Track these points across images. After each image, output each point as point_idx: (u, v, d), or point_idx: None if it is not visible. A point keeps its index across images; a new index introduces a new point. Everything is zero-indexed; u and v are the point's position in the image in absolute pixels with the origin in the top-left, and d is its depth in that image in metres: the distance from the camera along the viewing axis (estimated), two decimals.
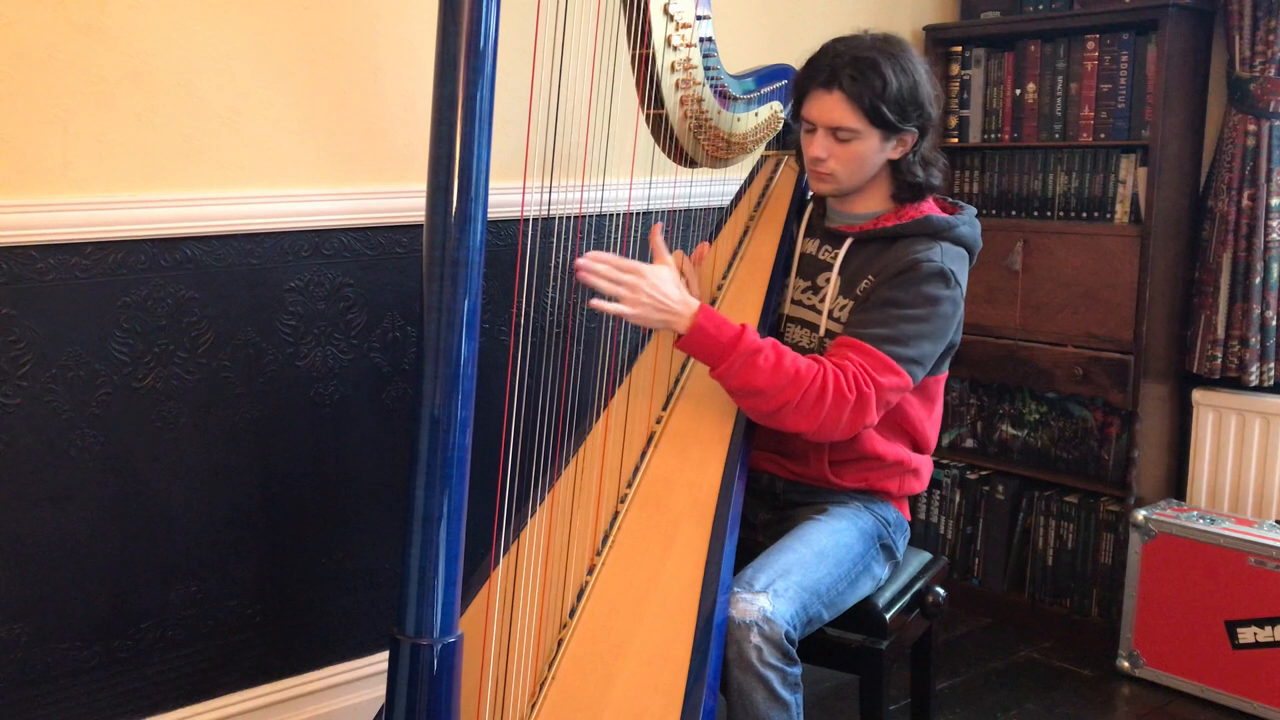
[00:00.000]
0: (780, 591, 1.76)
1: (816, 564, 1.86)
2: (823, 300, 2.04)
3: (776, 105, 2.28)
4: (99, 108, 2.04)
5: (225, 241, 2.21)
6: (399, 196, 2.40)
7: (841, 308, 2.01)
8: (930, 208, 2.04)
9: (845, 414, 1.83)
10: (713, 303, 2.15)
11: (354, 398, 2.42)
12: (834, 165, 1.97)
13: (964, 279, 1.98)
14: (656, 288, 1.81)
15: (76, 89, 2.01)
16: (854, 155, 1.96)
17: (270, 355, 2.29)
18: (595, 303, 1.78)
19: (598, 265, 1.78)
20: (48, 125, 1.99)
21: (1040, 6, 3.27)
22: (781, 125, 2.34)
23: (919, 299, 1.90)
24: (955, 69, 3.37)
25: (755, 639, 1.69)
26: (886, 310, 1.90)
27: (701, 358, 1.85)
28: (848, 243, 2.04)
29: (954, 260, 1.96)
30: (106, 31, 2.02)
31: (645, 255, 2.60)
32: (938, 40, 3.39)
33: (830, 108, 1.93)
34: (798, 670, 1.74)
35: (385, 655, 2.49)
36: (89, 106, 2.03)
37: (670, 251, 2.00)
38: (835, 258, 2.05)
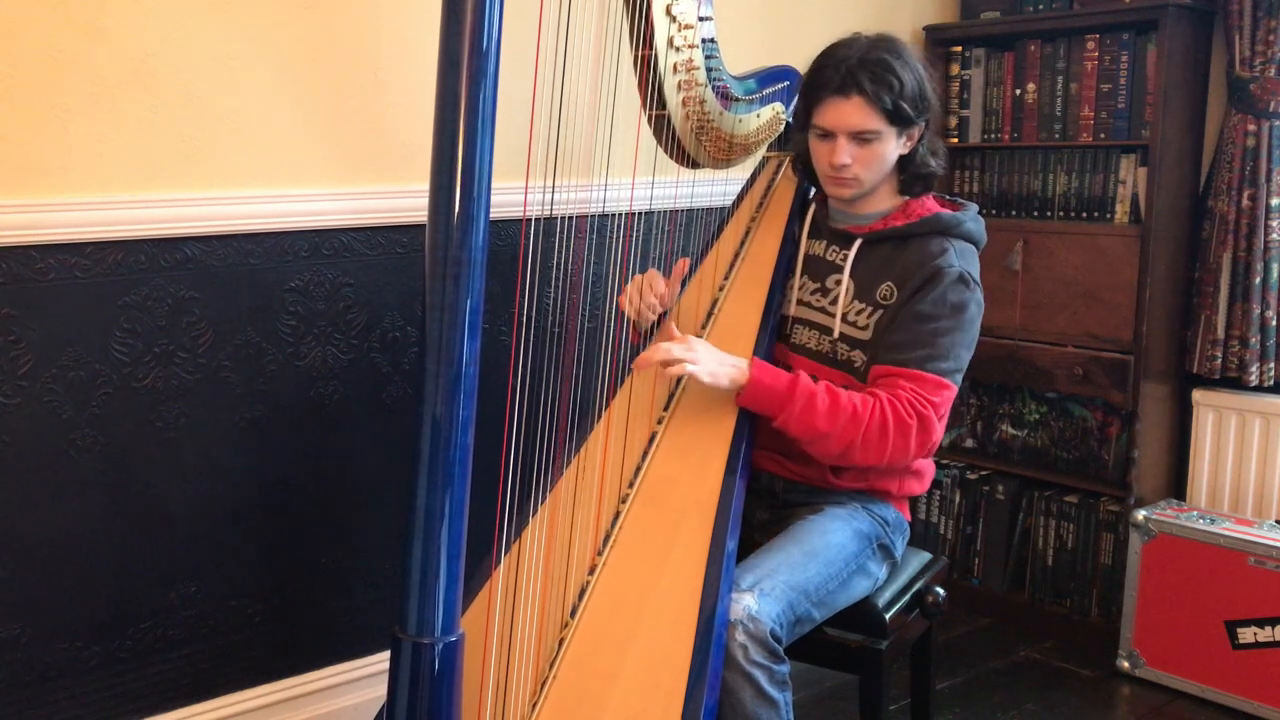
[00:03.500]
0: (767, 590, 1.76)
1: (805, 563, 1.87)
2: (834, 302, 2.05)
3: (779, 106, 2.28)
4: (99, 108, 2.03)
5: (225, 241, 2.21)
6: (399, 196, 2.40)
7: (858, 311, 2.02)
8: (933, 205, 2.05)
9: (911, 440, 1.88)
10: (714, 303, 2.15)
11: (354, 398, 2.42)
12: (859, 169, 2.00)
13: (979, 276, 2.01)
14: (709, 346, 1.91)
15: (76, 89, 2.01)
16: (875, 156, 1.99)
17: (270, 355, 2.29)
18: (673, 370, 1.87)
19: (653, 354, 1.88)
20: (48, 125, 1.99)
21: (1040, 6, 3.27)
22: (783, 126, 2.34)
23: (947, 309, 1.94)
24: (955, 69, 3.37)
25: (740, 637, 1.69)
26: (918, 327, 1.94)
27: (763, 408, 1.91)
28: (857, 244, 2.05)
29: (969, 260, 2.00)
30: (106, 31, 2.02)
31: (646, 256, 2.61)
32: (938, 40, 3.39)
33: (849, 113, 1.95)
34: (785, 668, 1.74)
35: (385, 655, 2.48)
36: (89, 106, 2.02)
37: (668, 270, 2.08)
38: (845, 260, 2.05)
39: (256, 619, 2.36)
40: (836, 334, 2.04)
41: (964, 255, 2.00)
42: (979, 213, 2.09)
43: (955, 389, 1.94)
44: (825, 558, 1.90)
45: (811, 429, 1.87)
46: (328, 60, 2.30)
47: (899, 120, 1.96)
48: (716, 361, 1.89)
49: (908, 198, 2.07)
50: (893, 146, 1.99)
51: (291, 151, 2.27)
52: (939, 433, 1.92)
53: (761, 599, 1.74)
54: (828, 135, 1.99)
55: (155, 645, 2.23)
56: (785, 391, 1.88)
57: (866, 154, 1.98)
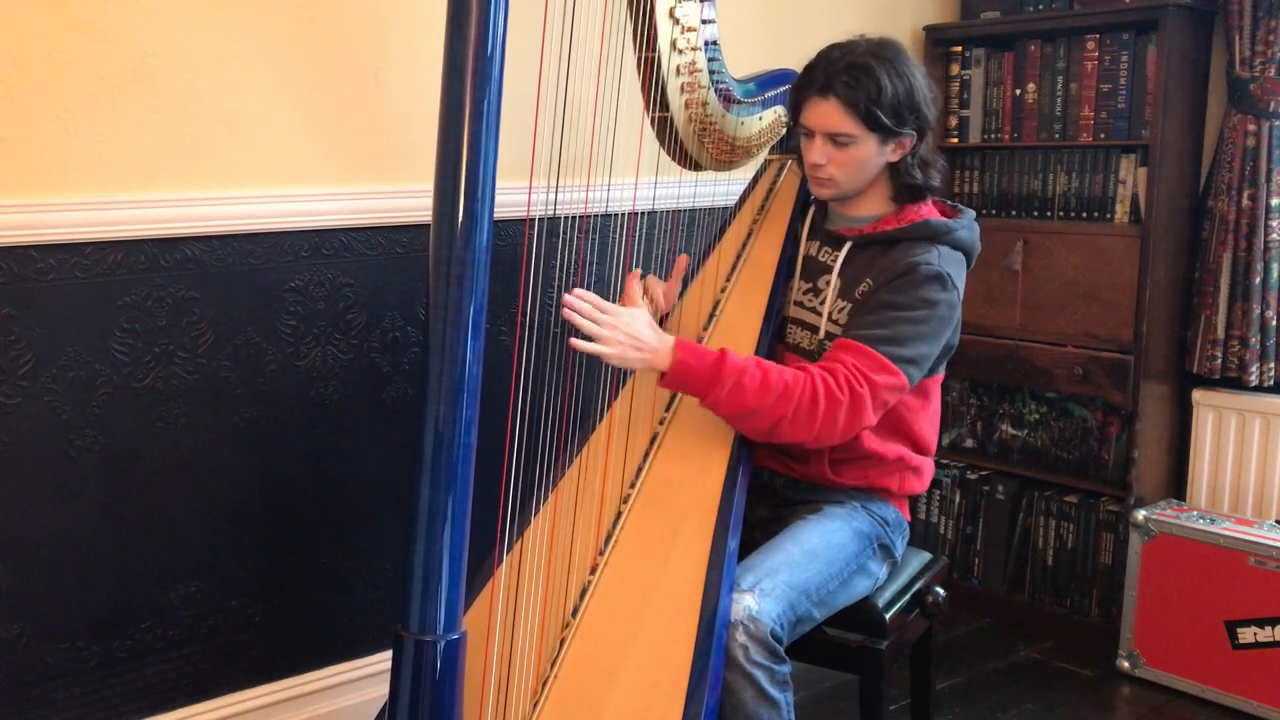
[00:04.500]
0: (767, 590, 1.76)
1: (806, 563, 1.86)
2: (823, 302, 2.06)
3: (780, 109, 2.28)
4: (99, 108, 2.03)
5: (225, 241, 2.21)
6: (400, 196, 2.40)
7: (840, 309, 2.02)
8: (930, 211, 2.05)
9: (841, 416, 1.84)
10: (716, 305, 2.15)
11: (354, 398, 2.42)
12: (833, 170, 2.00)
13: (961, 283, 1.99)
14: (632, 327, 1.82)
15: (76, 89, 2.00)
16: (852, 160, 1.98)
17: (270, 355, 2.29)
18: (574, 342, 1.79)
19: (580, 303, 1.80)
20: (48, 125, 1.99)
21: (1040, 6, 3.27)
22: (785, 129, 2.35)
23: (915, 301, 1.92)
24: (955, 69, 3.37)
25: (741, 637, 1.69)
26: (883, 312, 1.92)
27: (689, 390, 1.86)
28: (847, 246, 2.05)
29: (951, 264, 1.98)
30: (106, 31, 2.02)
31: (647, 255, 2.61)
32: (938, 40, 3.39)
33: (827, 114, 1.96)
34: (786, 668, 1.74)
35: (385, 655, 2.47)
36: (89, 106, 2.02)
37: (653, 274, 2.07)
38: (835, 260, 2.06)
39: (256, 619, 2.35)
40: (823, 333, 2.05)
41: (947, 260, 1.97)
42: (977, 218, 2.08)
43: (904, 380, 1.89)
44: (826, 558, 1.90)
45: (740, 407, 1.82)
46: (328, 60, 2.29)
47: (876, 127, 1.95)
48: (632, 345, 1.80)
49: (900, 204, 2.06)
50: (872, 152, 1.98)
51: (291, 151, 2.27)
52: (871, 416, 1.87)
53: (762, 599, 1.74)
54: (809, 134, 2.01)
55: (155, 645, 2.23)
56: (711, 371, 1.81)
57: (842, 156, 1.98)
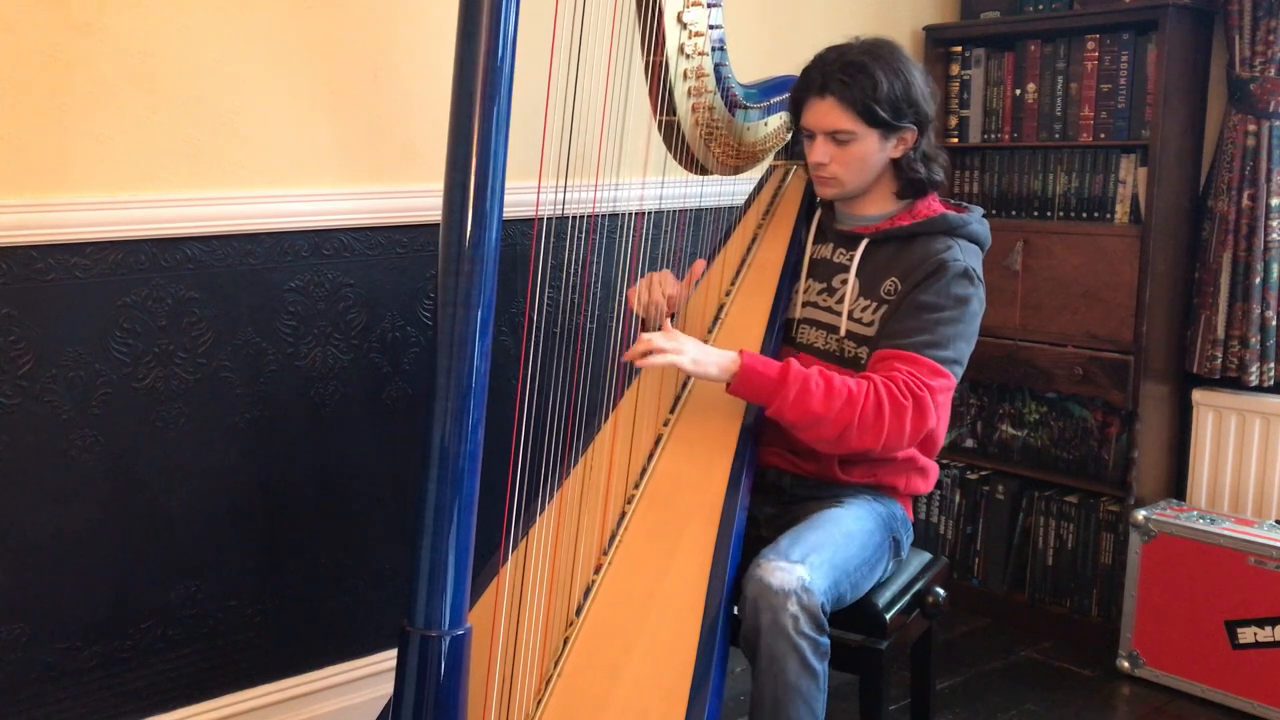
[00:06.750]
0: (815, 565, 1.77)
1: (845, 544, 1.88)
2: (840, 301, 2.07)
3: (786, 115, 2.29)
4: (99, 108, 2.03)
5: (225, 241, 2.21)
6: (399, 196, 2.40)
7: (863, 308, 2.03)
8: (939, 206, 2.07)
9: (907, 422, 1.87)
10: (720, 308, 2.15)
11: (354, 398, 2.42)
12: (836, 169, 2.02)
13: (982, 274, 2.01)
14: (695, 340, 1.89)
15: (76, 89, 2.00)
16: (854, 156, 2.01)
17: (270, 355, 2.29)
18: (654, 359, 1.84)
19: (637, 346, 1.87)
20: (47, 125, 1.98)
21: (1040, 6, 3.27)
22: (790, 135, 2.35)
23: (949, 300, 1.95)
24: (955, 69, 3.37)
25: (793, 607, 1.68)
26: (920, 316, 1.94)
27: (756, 396, 1.89)
28: (863, 244, 2.06)
29: (973, 257, 2.02)
30: (106, 31, 2.02)
31: (653, 256, 2.61)
32: (938, 40, 3.39)
33: (825, 113, 1.99)
34: (828, 641, 1.74)
35: (385, 654, 2.48)
36: (89, 106, 2.02)
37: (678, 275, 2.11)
38: (851, 259, 2.07)
39: (256, 619, 2.35)
40: (843, 332, 2.05)
41: (968, 253, 2.01)
42: (982, 216, 2.10)
43: (953, 380, 1.94)
44: (860, 541, 1.92)
45: (807, 413, 1.85)
46: (327, 60, 2.29)
47: (875, 122, 1.97)
48: (701, 352, 1.88)
49: (908, 201, 2.08)
50: (873, 149, 2.00)
51: (292, 152, 2.27)
52: (934, 419, 1.90)
53: (813, 572, 1.74)
54: (811, 135, 2.03)
55: (155, 645, 2.23)
56: (778, 377, 1.86)
57: (844, 154, 2.01)
